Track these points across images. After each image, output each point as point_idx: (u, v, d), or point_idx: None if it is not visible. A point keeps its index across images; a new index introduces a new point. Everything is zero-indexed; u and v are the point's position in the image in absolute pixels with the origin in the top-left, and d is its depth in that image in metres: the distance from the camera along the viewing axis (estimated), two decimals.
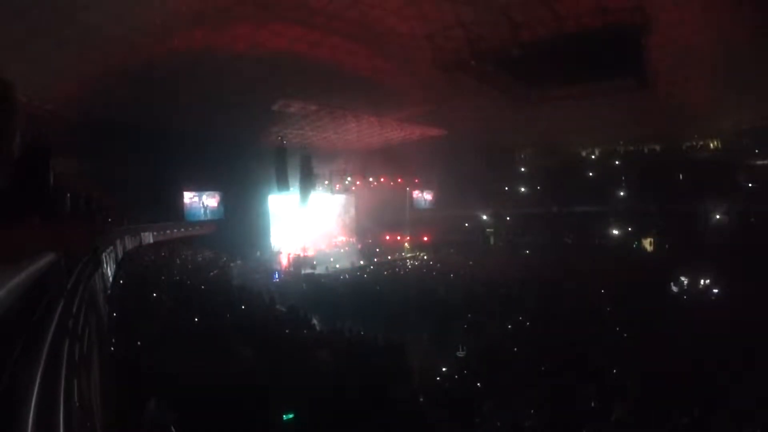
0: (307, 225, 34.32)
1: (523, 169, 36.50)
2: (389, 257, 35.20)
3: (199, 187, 27.85)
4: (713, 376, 10.93)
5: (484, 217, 36.96)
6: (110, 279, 13.03)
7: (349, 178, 35.35)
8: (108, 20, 11.10)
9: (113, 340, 9.62)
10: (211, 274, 23.38)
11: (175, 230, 25.38)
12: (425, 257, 35.28)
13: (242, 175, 27.29)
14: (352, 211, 37.66)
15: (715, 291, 20.80)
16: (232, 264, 25.32)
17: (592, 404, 10.79)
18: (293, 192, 29.96)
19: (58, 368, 4.27)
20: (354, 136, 28.40)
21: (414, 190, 39.06)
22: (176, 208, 26.81)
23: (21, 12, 8.98)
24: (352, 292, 23.54)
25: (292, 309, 18.38)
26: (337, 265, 32.10)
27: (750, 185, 27.44)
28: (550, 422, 10.35)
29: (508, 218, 36.14)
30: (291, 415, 9.55)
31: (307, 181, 28.78)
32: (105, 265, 11.81)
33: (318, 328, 17.31)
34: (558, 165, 34.31)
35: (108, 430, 5.69)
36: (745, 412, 9.43)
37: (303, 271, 29.83)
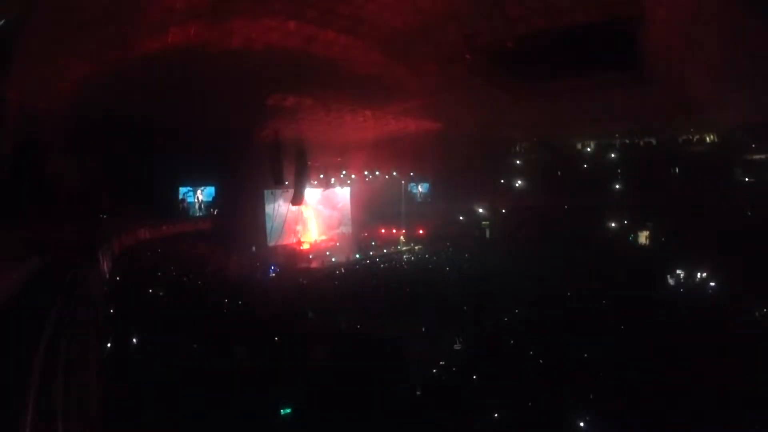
0: (303, 219, 34.34)
1: (518, 162, 36.49)
2: (385, 250, 35.28)
3: (194, 182, 27.75)
4: (711, 371, 10.99)
5: (480, 210, 37.02)
6: (107, 276, 13.02)
7: (344, 172, 35.32)
8: (102, 16, 11.02)
9: (111, 338, 9.62)
10: (208, 269, 23.39)
11: (171, 226, 25.33)
12: (421, 250, 35.37)
13: (237, 169, 27.22)
14: (348, 204, 37.64)
15: (712, 285, 20.91)
16: (227, 259, 25.31)
17: (590, 397, 10.87)
18: (288, 186, 29.97)
19: (55, 366, 4.28)
20: (349, 130, 28.30)
21: (409, 183, 39.06)
22: (171, 204, 26.74)
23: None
24: (348, 285, 23.60)
25: (289, 304, 18.41)
26: (333, 259, 32.19)
27: (746, 180, 27.51)
28: (547, 415, 10.40)
29: (504, 211, 36.18)
30: (288, 410, 9.58)
31: (303, 175, 28.74)
32: (101, 262, 11.80)
33: (314, 322, 17.34)
34: (554, 158, 34.33)
35: (106, 428, 5.70)
36: (744, 409, 9.50)
37: (299, 266, 29.91)
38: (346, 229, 37.43)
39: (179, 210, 27.23)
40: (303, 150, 28.00)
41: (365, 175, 36.26)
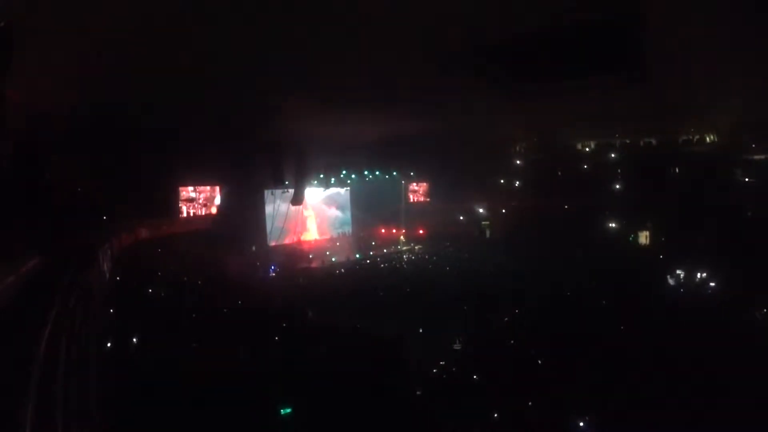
0: (303, 219, 34.32)
1: (518, 162, 36.50)
2: (385, 250, 35.29)
3: (194, 182, 27.74)
4: (711, 371, 10.98)
5: (480, 210, 37.05)
6: (107, 276, 13.03)
7: (344, 172, 35.33)
8: (102, 16, 11.02)
9: (111, 338, 9.63)
10: (207, 269, 23.36)
11: (171, 226, 25.33)
12: (421, 250, 35.37)
13: (237, 169, 27.20)
14: (348, 204, 37.63)
15: (712, 285, 20.91)
16: (227, 259, 25.30)
17: (590, 397, 10.87)
18: (288, 186, 29.96)
19: (55, 367, 4.28)
20: (349, 130, 28.30)
21: (409, 183, 39.07)
22: (171, 204, 26.73)
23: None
24: (348, 285, 23.60)
25: (289, 304, 18.40)
26: (333, 259, 32.18)
27: (746, 180, 27.52)
28: (547, 415, 10.40)
29: (503, 211, 36.19)
30: (288, 410, 9.58)
31: (303, 174, 28.75)
32: (101, 262, 11.81)
33: (314, 322, 17.35)
34: (553, 158, 34.32)
35: (106, 428, 5.71)
36: (744, 409, 9.50)
37: (299, 266, 29.90)
38: (346, 229, 37.41)
39: (179, 210, 27.22)
40: (303, 150, 27.97)
41: (365, 175, 36.27)
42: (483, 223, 37.24)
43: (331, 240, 36.02)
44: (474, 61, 17.08)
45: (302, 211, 33.57)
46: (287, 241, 32.82)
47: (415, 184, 39.51)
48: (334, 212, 37.20)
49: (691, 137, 29.89)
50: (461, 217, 37.69)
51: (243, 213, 29.38)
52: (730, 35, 14.65)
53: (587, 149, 34.27)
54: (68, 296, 6.11)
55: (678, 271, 22.47)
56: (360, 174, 35.99)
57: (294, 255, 31.63)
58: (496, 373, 12.44)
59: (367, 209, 37.18)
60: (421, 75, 18.77)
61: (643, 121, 27.43)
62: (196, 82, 16.71)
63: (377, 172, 36.50)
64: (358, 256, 33.22)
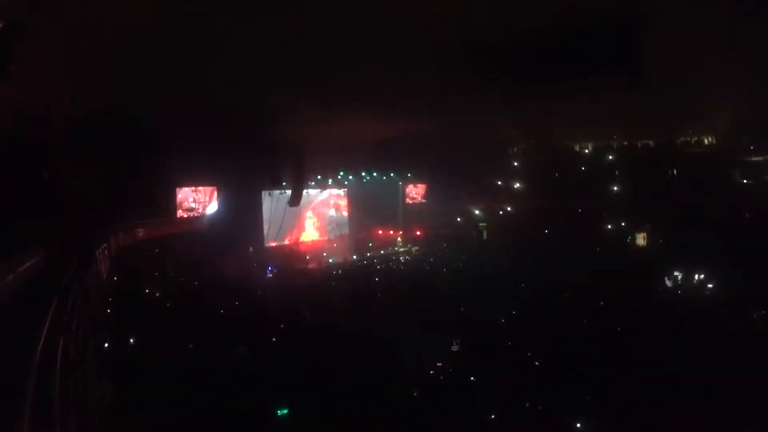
0: (300, 220, 34.31)
1: (516, 164, 36.51)
2: (382, 252, 35.26)
3: (192, 183, 27.69)
4: (709, 372, 10.99)
5: (477, 212, 37.04)
6: (104, 276, 13.00)
7: (342, 173, 35.28)
8: (100, 16, 11.02)
9: (108, 338, 9.62)
10: (205, 270, 23.34)
11: (169, 226, 25.28)
12: (418, 251, 35.37)
13: (235, 170, 27.16)
14: (345, 205, 37.62)
15: (710, 286, 20.93)
16: (225, 260, 25.26)
17: (586, 397, 10.88)
18: (285, 187, 29.93)
19: (53, 366, 4.27)
20: (347, 131, 28.30)
21: (407, 184, 39.04)
22: (170, 204, 26.69)
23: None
24: (345, 286, 23.60)
25: (286, 305, 18.37)
26: (331, 260, 32.16)
27: (744, 181, 27.57)
28: (544, 415, 10.41)
29: (501, 213, 36.20)
30: (285, 411, 9.58)
31: (300, 176, 28.72)
32: (99, 263, 11.78)
33: (312, 323, 17.33)
34: (551, 160, 34.34)
35: (104, 428, 5.70)
36: (743, 409, 9.51)
37: (296, 267, 29.88)
38: (344, 230, 37.38)
39: (177, 210, 27.17)
40: (301, 151, 27.95)
41: (363, 176, 36.25)
42: (480, 224, 37.23)
43: (329, 241, 35.98)
44: (472, 62, 17.10)
45: (299, 212, 33.55)
46: (284, 242, 32.81)
47: (412, 185, 39.47)
48: (332, 213, 37.19)
49: (689, 139, 29.95)
50: (459, 219, 37.68)
51: (241, 214, 29.33)
52: (729, 37, 14.69)
53: (585, 151, 34.31)
54: (66, 296, 6.09)
55: (676, 273, 22.50)
56: (358, 175, 35.95)
57: (291, 256, 31.61)
58: (494, 375, 12.44)
59: (365, 211, 37.16)
60: (419, 76, 18.79)
61: (642, 122, 27.48)
62: (194, 82, 16.73)
63: (375, 174, 36.46)
64: (355, 257, 33.21)
